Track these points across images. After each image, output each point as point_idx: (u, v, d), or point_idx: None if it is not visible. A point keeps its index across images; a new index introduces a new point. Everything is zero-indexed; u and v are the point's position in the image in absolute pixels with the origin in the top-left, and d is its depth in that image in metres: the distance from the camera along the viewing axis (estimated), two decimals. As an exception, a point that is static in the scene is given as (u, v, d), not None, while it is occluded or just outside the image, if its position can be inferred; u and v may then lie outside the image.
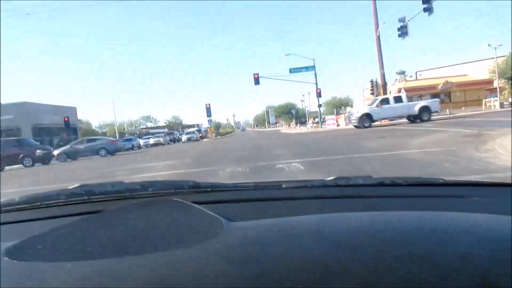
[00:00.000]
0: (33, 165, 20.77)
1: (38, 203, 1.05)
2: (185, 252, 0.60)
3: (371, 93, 31.53)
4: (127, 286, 0.51)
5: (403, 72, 58.37)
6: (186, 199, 0.90)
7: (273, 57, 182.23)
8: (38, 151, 21.44)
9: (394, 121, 26.33)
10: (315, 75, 36.70)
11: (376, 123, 26.03)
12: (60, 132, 36.01)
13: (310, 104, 76.10)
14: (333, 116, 36.43)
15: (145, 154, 20.14)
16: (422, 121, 21.09)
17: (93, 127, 70.47)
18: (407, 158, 7.25)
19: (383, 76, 30.42)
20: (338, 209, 0.86)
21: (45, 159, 21.66)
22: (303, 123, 57.07)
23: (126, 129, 68.07)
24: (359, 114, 22.08)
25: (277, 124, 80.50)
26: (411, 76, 55.58)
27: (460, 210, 0.75)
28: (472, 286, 0.46)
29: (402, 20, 20.99)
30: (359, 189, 1.05)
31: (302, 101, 75.55)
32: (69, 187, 1.13)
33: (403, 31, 21.11)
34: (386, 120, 27.78)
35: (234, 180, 6.73)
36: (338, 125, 32.05)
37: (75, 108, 43.97)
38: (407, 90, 34.62)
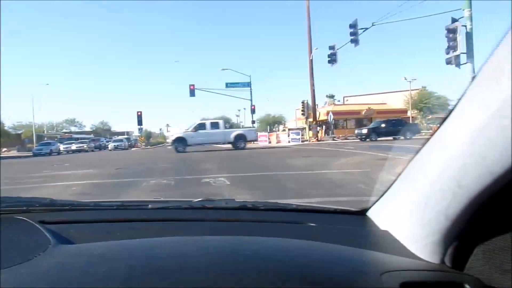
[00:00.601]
0: None
1: None
2: None
3: (302, 114, 33.13)
4: None
5: (332, 96, 62.17)
6: (35, 218, 0.86)
7: (210, 70, 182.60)
8: None
9: (323, 141, 27.93)
10: (251, 91, 37.55)
11: (305, 142, 27.31)
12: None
13: (245, 120, 76.98)
14: (265, 133, 37.40)
15: (64, 161, 18.61)
16: (238, 148, 22.04)
17: (5, 127, 63.09)
18: (327, 177, 7.71)
19: (313, 98, 32.18)
20: (194, 231, 0.88)
21: None
22: (237, 137, 57.47)
23: (46, 132, 62.17)
24: (174, 138, 22.47)
25: (211, 137, 80.00)
26: (339, 101, 59.55)
27: (293, 235, 0.82)
28: None
29: (332, 48, 22.53)
30: (222, 212, 1.10)
31: (237, 116, 76.45)
32: None
33: (332, 58, 22.63)
34: (315, 140, 29.32)
35: (155, 193, 6.55)
36: (269, 142, 32.97)
37: (-16, 105, 39.16)
38: (335, 113, 37.16)
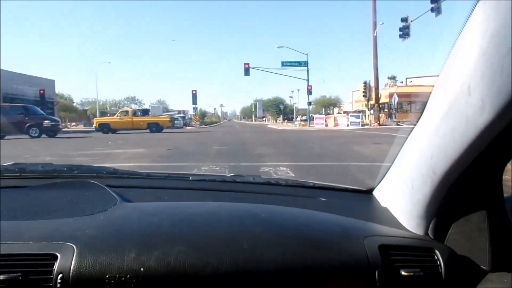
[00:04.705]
0: (39, 136, 18.74)
1: None
2: (69, 220, 0.79)
3: (363, 95, 30.67)
4: (11, 241, 0.70)
5: (394, 77, 57.69)
6: (103, 182, 1.04)
7: (265, 49, 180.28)
8: (46, 121, 19.39)
9: (386, 126, 25.57)
10: (307, 71, 35.61)
11: (366, 126, 25.13)
12: (35, 105, 33.80)
13: (299, 101, 74.69)
14: (322, 116, 35.47)
15: (120, 138, 18.63)
16: None
17: (74, 104, 67.30)
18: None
19: (376, 78, 29.62)
20: (223, 199, 1.03)
21: (52, 131, 19.53)
22: (290, 119, 55.90)
23: (108, 109, 65.39)
24: None
25: (264, 118, 79.05)
26: (401, 82, 54.96)
27: (303, 206, 0.97)
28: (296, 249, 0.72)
29: (404, 20, 19.83)
30: (249, 185, 1.23)
31: (290, 97, 74.39)
32: (4, 164, 1.24)
33: (404, 32, 19.99)
34: (376, 124, 27.00)
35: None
36: (326, 125, 31.14)
37: (53, 81, 41.30)
38: (399, 95, 33.94)
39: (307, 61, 35.66)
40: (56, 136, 19.59)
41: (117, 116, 24.88)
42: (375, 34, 28.03)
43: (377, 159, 7.89)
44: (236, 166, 7.19)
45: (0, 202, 0.91)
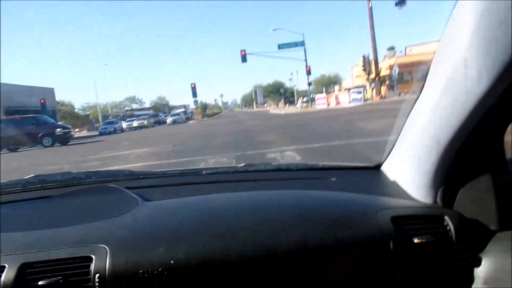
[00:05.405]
0: (53, 145, 18.80)
1: None
2: (98, 223, 0.83)
3: (363, 69, 30.31)
4: (44, 248, 0.74)
5: (392, 48, 56.69)
6: (121, 185, 1.08)
7: (260, 33, 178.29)
8: (58, 129, 19.41)
9: (388, 99, 25.36)
10: (305, 51, 35.22)
11: (368, 101, 24.91)
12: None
13: (298, 83, 74.31)
14: (323, 95, 35.15)
15: (125, 139, 18.70)
16: None
17: (75, 110, 67.47)
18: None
19: (375, 51, 29.18)
20: (239, 189, 1.05)
21: (65, 139, 19.58)
22: (292, 102, 55.56)
23: (110, 111, 65.55)
24: None
25: (266, 104, 78.67)
26: (401, 52, 54.02)
27: (316, 189, 1.02)
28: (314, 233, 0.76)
29: (398, -12, 19.44)
30: (261, 173, 1.28)
31: (290, 79, 73.91)
32: (25, 177, 1.28)
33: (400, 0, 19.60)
34: (378, 98, 26.76)
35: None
36: (328, 105, 30.93)
37: (53, 89, 41.31)
38: (399, 66, 33.40)
39: (304, 40, 35.21)
40: (68, 144, 19.60)
41: None
42: (370, 6, 27.51)
43: (382, 133, 7.85)
44: (242, 156, 7.18)
45: (29, 212, 0.98)
